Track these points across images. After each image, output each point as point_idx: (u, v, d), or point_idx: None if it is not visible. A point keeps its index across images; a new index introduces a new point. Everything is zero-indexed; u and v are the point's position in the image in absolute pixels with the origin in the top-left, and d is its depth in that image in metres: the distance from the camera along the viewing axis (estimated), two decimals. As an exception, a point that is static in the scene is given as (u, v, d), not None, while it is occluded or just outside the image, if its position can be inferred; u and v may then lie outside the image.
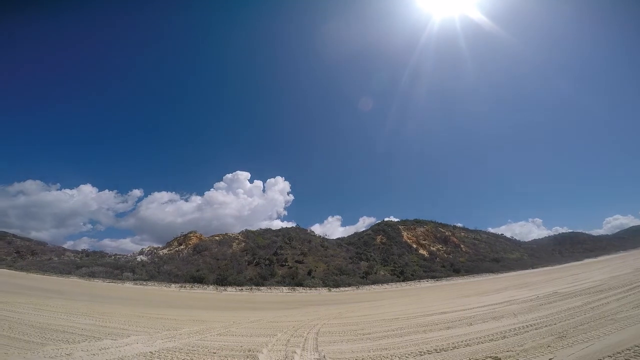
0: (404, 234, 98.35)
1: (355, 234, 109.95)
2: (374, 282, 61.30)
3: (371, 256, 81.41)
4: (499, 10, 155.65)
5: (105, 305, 19.85)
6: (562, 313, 9.84)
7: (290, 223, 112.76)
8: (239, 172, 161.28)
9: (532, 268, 70.22)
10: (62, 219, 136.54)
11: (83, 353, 6.37)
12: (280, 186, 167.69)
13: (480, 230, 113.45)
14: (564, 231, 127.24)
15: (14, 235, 79.58)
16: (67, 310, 14.08)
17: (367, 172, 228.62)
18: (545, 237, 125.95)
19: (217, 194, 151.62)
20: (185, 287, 51.44)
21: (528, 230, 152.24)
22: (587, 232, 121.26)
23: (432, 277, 66.20)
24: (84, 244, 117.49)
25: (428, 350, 6.78)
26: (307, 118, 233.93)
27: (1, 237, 74.15)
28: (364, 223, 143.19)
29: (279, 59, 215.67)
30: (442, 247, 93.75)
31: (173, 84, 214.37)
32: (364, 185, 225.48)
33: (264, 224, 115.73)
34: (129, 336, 8.58)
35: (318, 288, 55.67)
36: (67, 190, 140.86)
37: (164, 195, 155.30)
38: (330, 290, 54.15)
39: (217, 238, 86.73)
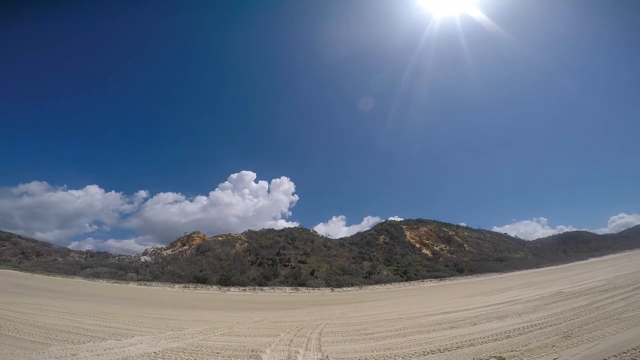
0: (407, 233, 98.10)
1: (358, 233, 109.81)
2: (377, 282, 61.17)
3: (374, 256, 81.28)
4: (500, 9, 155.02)
5: (110, 305, 19.97)
6: (566, 313, 9.77)
7: (295, 223, 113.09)
8: (244, 172, 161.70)
9: (537, 267, 69.73)
10: (67, 220, 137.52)
11: (88, 353, 6.41)
12: (285, 186, 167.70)
13: (484, 230, 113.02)
14: (568, 230, 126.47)
15: (19, 237, 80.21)
16: (71, 310, 14.18)
17: (371, 172, 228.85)
18: (550, 236, 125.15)
19: (223, 194, 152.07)
20: (188, 287, 51.63)
21: (533, 229, 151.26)
22: (591, 231, 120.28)
23: (436, 277, 65.93)
24: (88, 245, 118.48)
25: (432, 350, 6.76)
26: (312, 118, 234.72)
27: (7, 239, 74.76)
28: (369, 223, 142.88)
29: (281, 59, 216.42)
30: (445, 247, 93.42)
31: (179, 85, 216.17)
32: (368, 185, 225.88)
33: (269, 224, 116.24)
34: (133, 336, 8.62)
35: (321, 288, 55.66)
36: (74, 192, 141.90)
37: (169, 196, 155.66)
38: (333, 291, 54.12)
39: (220, 238, 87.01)
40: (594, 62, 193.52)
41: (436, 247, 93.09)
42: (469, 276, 66.57)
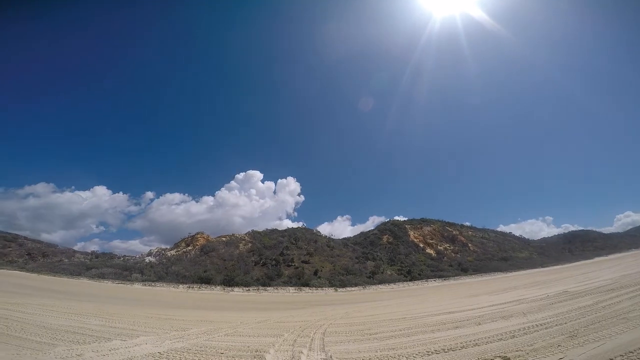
0: (411, 233, 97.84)
1: (362, 233, 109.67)
2: (380, 282, 61.08)
3: (378, 256, 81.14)
4: (501, 8, 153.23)
5: (115, 306, 20.10)
6: (572, 312, 9.69)
7: (300, 223, 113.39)
8: (251, 171, 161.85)
9: (542, 267, 69.23)
10: (72, 221, 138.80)
11: (93, 354, 6.46)
12: (291, 187, 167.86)
13: (488, 229, 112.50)
14: (574, 229, 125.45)
15: (25, 238, 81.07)
16: (77, 311, 14.29)
17: (376, 172, 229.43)
18: (555, 235, 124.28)
19: (229, 194, 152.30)
20: (193, 287, 51.88)
21: (538, 228, 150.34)
22: (597, 230, 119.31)
23: (440, 277, 65.68)
24: (94, 246, 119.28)
25: (436, 350, 6.73)
26: (317, 118, 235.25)
27: (13, 240, 75.56)
28: (374, 222, 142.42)
29: (282, 59, 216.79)
30: (449, 247, 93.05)
31: (184, 86, 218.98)
32: (373, 185, 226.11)
33: (275, 224, 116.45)
34: (138, 337, 8.67)
35: (324, 288, 55.66)
36: (81, 193, 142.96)
37: (176, 197, 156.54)
38: (336, 290, 54.09)
39: (224, 239, 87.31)
40: (596, 61, 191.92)
41: (440, 246, 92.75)
42: (473, 276, 66.26)
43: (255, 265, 71.25)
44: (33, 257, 67.83)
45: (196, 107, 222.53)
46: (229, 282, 56.26)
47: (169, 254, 78.83)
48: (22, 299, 18.22)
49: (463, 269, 72.69)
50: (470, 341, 7.26)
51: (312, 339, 8.90)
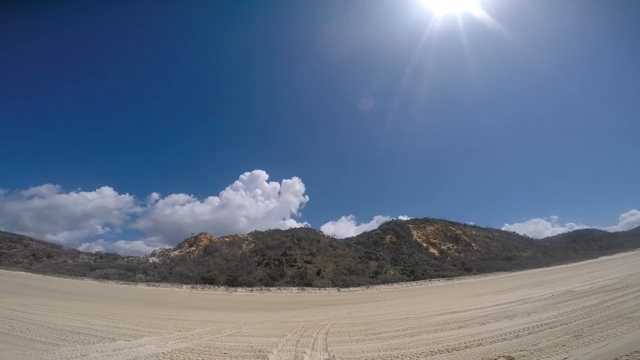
0: (414, 232, 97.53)
1: (365, 233, 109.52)
2: (383, 282, 60.93)
3: (380, 255, 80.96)
4: (502, 7, 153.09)
5: (119, 306, 20.22)
6: (577, 312, 9.62)
7: (305, 223, 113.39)
8: (256, 171, 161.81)
9: (546, 266, 68.78)
10: (76, 221, 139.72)
11: (98, 354, 6.50)
12: (296, 187, 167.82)
13: (492, 229, 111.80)
14: (578, 228, 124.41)
15: (30, 239, 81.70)
16: (81, 311, 14.39)
17: (380, 171, 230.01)
18: (559, 234, 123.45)
19: (234, 195, 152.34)
20: (196, 288, 52.06)
21: (543, 227, 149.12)
22: (602, 229, 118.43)
23: (443, 277, 65.41)
24: (99, 246, 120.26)
25: (439, 350, 6.70)
26: (319, 118, 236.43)
27: (18, 241, 76.16)
28: (378, 222, 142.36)
29: (283, 59, 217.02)
30: (452, 246, 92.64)
31: (187, 86, 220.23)
32: (378, 185, 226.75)
33: (279, 224, 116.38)
34: (142, 337, 8.72)
35: (327, 288, 55.63)
36: (86, 194, 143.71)
37: (181, 197, 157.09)
38: (339, 290, 54.05)
39: (227, 239, 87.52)
40: (597, 60, 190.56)
41: (443, 246, 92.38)
42: (477, 275, 65.95)
43: (258, 265, 71.37)
44: (38, 258, 68.36)
45: (202, 108, 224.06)
46: (232, 282, 56.38)
47: (173, 255, 79.14)
48: (27, 299, 18.37)
49: (466, 269, 72.36)
50: (474, 341, 7.22)
51: (315, 339, 8.90)
